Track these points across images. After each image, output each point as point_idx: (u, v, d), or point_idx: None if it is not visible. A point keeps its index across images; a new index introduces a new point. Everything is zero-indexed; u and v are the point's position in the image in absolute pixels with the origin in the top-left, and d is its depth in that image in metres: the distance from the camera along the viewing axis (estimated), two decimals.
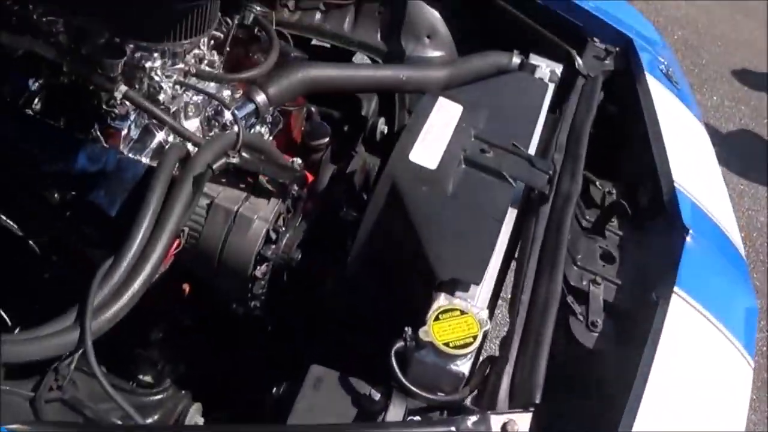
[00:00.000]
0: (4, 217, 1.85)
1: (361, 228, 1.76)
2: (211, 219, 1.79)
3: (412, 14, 2.72)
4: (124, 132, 1.95)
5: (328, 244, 1.95)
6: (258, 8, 2.38)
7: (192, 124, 2.06)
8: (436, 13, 2.74)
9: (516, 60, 2.33)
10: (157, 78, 1.94)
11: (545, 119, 2.16)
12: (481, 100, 2.08)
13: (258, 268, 1.79)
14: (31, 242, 1.88)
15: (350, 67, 2.19)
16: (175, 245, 1.74)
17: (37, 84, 1.97)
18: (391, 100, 2.64)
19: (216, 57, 2.15)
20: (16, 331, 1.63)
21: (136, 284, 1.59)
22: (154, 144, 1.99)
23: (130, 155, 1.91)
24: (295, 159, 2.09)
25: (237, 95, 2.13)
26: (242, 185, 1.84)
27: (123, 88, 1.85)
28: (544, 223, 1.83)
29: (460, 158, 1.86)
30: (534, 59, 2.35)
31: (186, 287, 1.93)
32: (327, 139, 2.38)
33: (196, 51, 2.07)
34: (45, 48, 1.92)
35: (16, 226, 1.86)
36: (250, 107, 2.01)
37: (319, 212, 2.03)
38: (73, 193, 1.84)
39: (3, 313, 1.77)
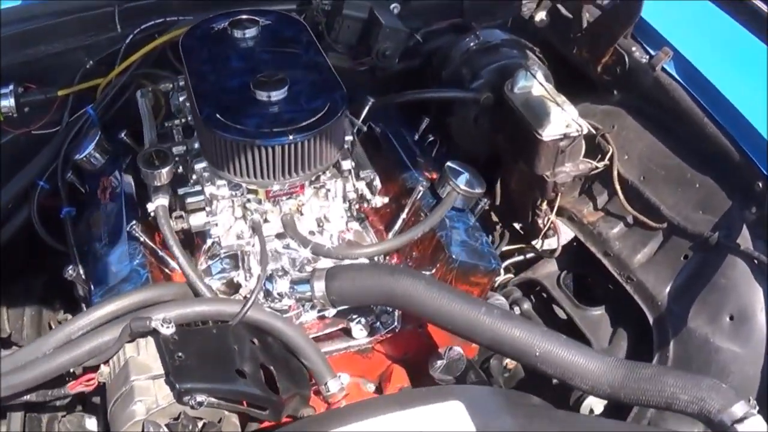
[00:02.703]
0: None
1: None
2: (117, 375, 1.58)
3: (725, 276, 1.87)
4: (205, 246, 1.85)
5: None
6: (463, 188, 1.90)
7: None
8: (759, 291, 1.82)
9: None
10: (219, 208, 1.75)
11: None
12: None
13: None
14: None
15: (466, 301, 1.60)
16: (88, 378, 1.63)
17: None
18: None
19: (341, 207, 1.84)
20: None
21: None
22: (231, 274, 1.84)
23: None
24: (340, 375, 1.68)
25: (313, 265, 1.79)
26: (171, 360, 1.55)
27: (159, 203, 1.73)
28: None
29: None
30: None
31: None
32: (452, 378, 1.84)
33: (310, 197, 1.79)
34: (149, 129, 1.92)
35: None
36: (304, 289, 1.68)
37: None
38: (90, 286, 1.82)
39: None
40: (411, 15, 2.42)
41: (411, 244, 1.89)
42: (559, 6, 2.38)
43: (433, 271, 1.83)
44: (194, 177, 1.79)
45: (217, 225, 1.76)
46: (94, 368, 1.64)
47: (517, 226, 2.39)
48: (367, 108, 2.11)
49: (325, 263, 1.78)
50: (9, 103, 2.10)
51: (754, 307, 1.83)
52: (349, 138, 1.84)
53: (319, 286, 1.67)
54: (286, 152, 1.64)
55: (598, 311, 2.14)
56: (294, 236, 1.74)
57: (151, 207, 1.74)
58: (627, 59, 2.18)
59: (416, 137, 2.21)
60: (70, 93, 2.16)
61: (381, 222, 2.01)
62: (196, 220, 1.78)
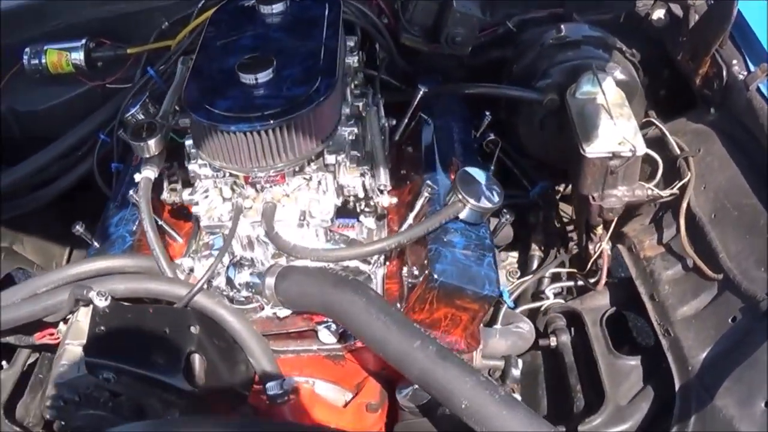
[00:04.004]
0: None
1: None
2: (64, 335, 1.68)
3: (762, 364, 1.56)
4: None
5: None
6: (470, 200, 1.75)
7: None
8: None
9: None
10: (202, 187, 1.76)
11: None
12: None
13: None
14: None
15: (403, 331, 1.46)
16: (50, 332, 1.76)
17: None
18: None
19: (332, 202, 1.75)
20: None
21: None
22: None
23: None
24: (285, 378, 1.66)
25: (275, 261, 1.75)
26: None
27: (145, 175, 1.77)
28: None
29: None
30: None
31: None
32: (415, 407, 1.74)
33: (298, 188, 1.75)
34: (169, 99, 1.95)
35: None
36: (257, 282, 1.68)
37: None
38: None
39: None
40: (506, 1, 2.27)
41: (410, 252, 1.80)
42: (671, 5, 2.10)
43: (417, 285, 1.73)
44: None
45: (198, 203, 1.78)
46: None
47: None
48: (417, 98, 2.02)
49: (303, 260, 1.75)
50: (79, 56, 2.26)
51: None
52: (352, 129, 1.77)
53: (270, 284, 1.63)
54: (251, 139, 1.61)
55: (633, 362, 1.88)
56: (266, 227, 1.71)
57: (137, 178, 1.79)
58: (725, 73, 1.88)
59: (475, 135, 2.09)
60: (141, 52, 2.29)
61: (397, 222, 1.92)
62: (187, 195, 1.82)
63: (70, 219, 2.20)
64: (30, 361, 2.09)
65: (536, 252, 2.23)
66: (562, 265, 2.18)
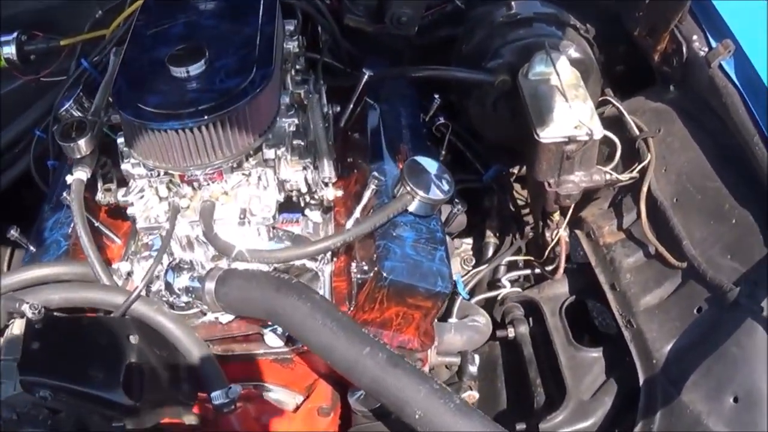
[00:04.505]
0: None
1: None
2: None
3: (738, 345, 1.50)
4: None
5: None
6: (419, 192, 1.65)
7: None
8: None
9: None
10: (136, 187, 1.66)
11: None
12: None
13: None
14: None
15: (350, 337, 1.39)
16: None
17: None
18: None
19: (274, 198, 1.65)
20: None
21: None
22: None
23: None
24: (231, 386, 1.55)
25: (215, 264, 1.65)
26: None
27: (77, 176, 1.66)
28: None
29: None
30: None
31: None
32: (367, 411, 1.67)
33: (238, 184, 1.65)
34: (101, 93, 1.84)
35: None
36: (196, 286, 1.58)
37: None
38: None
39: None
40: None
41: (358, 247, 1.72)
42: None
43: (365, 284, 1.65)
44: None
45: (133, 204, 1.68)
46: None
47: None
48: (362, 83, 1.92)
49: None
50: (11, 50, 2.13)
51: (758, 386, 1.45)
52: (293, 120, 1.68)
53: (209, 289, 1.54)
54: (183, 137, 1.50)
55: (595, 353, 1.82)
56: (204, 227, 1.61)
57: (69, 180, 1.68)
58: (685, 49, 1.80)
59: (425, 119, 2.00)
60: (75, 43, 2.17)
61: (344, 215, 1.82)
62: (122, 196, 1.72)
63: (12, 219, 2.10)
64: None
65: (491, 239, 2.15)
66: (518, 251, 2.10)
